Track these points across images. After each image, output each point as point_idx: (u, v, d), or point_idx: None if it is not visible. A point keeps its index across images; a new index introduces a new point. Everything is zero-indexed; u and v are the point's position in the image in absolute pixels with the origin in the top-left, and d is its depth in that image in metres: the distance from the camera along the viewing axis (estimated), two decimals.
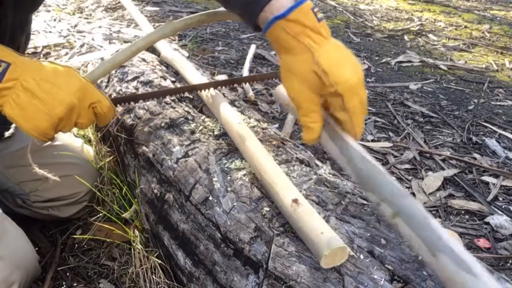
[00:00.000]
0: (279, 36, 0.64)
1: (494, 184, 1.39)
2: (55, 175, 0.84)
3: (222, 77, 1.85)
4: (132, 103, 0.93)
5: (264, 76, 1.03)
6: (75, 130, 1.37)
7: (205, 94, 0.91)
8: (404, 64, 2.42)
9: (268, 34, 0.65)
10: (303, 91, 0.64)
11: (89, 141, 1.18)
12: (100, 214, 0.96)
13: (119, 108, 1.01)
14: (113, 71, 1.16)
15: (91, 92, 0.70)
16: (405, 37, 2.91)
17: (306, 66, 0.62)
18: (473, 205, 1.29)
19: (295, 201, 0.60)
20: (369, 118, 1.76)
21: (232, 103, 0.94)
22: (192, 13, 3.23)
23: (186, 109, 0.92)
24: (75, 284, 0.91)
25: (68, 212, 1.00)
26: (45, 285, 0.88)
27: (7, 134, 0.95)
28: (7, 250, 0.74)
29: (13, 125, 0.96)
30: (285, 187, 0.63)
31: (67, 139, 1.04)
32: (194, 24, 0.81)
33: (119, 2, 3.12)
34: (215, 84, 0.91)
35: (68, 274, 0.94)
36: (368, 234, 0.60)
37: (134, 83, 1.05)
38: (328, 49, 0.62)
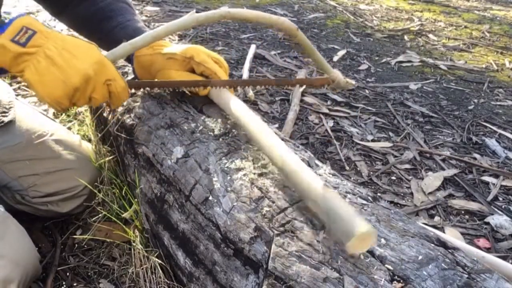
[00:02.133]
0: None
1: (494, 184, 1.39)
2: (52, 169, 0.85)
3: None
4: (135, 102, 0.92)
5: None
6: (75, 129, 1.37)
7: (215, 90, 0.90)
8: (404, 64, 2.42)
9: None
10: None
11: (89, 141, 1.18)
12: (100, 214, 0.96)
13: (138, 92, 1.00)
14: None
15: (108, 68, 0.72)
16: (405, 37, 2.91)
17: None
18: (473, 205, 1.29)
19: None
20: (369, 118, 1.76)
21: None
22: None
23: (186, 109, 0.92)
24: (75, 284, 0.91)
25: (68, 207, 1.00)
26: (46, 285, 0.88)
27: (6, 120, 0.94)
28: (8, 249, 0.74)
29: (11, 112, 0.96)
30: (312, 175, 0.64)
31: (64, 134, 1.04)
32: (216, 19, 0.81)
33: None
34: (243, 83, 0.90)
35: (68, 274, 0.94)
36: None
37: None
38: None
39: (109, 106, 1.00)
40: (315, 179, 0.62)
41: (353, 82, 0.94)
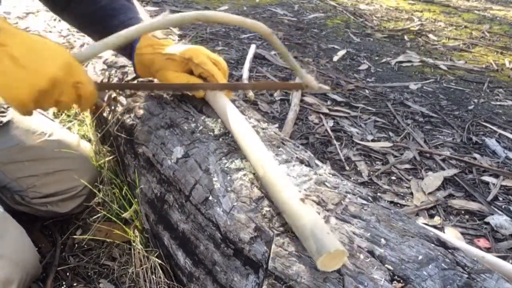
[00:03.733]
0: None
1: (494, 184, 1.39)
2: (51, 170, 0.84)
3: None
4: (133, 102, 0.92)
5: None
6: (75, 129, 1.37)
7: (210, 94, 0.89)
8: (404, 64, 2.42)
9: None
10: None
11: (89, 141, 1.18)
12: (100, 214, 0.96)
13: (118, 94, 0.97)
14: (113, 71, 1.16)
15: (77, 71, 0.69)
16: (405, 37, 2.91)
17: None
18: (473, 205, 1.29)
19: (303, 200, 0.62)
20: (369, 118, 1.76)
21: (232, 102, 0.94)
22: None
23: (186, 109, 0.92)
24: (75, 284, 0.91)
25: (67, 207, 1.00)
26: (46, 285, 0.88)
27: (4, 120, 0.94)
28: (7, 249, 0.74)
29: (9, 112, 0.96)
30: (289, 190, 0.65)
31: (63, 134, 1.04)
32: (190, 20, 0.79)
33: None
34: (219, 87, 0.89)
35: (68, 274, 0.94)
36: (368, 234, 0.60)
37: (134, 82, 1.05)
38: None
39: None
40: (292, 195, 0.62)
41: (327, 87, 0.95)
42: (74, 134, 1.11)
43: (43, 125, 1.01)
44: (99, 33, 0.93)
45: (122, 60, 1.13)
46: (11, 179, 0.94)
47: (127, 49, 0.90)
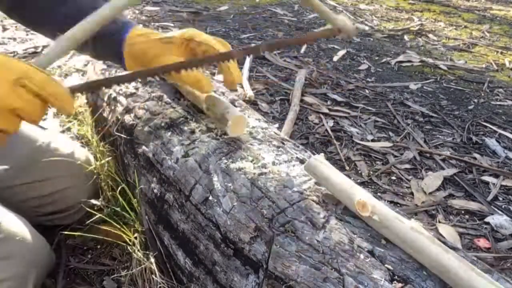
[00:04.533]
0: None
1: (494, 184, 1.39)
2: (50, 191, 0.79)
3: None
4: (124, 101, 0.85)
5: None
6: (74, 129, 1.37)
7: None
8: (404, 64, 2.42)
9: None
10: None
11: (89, 141, 1.18)
12: (100, 215, 0.96)
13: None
14: (113, 71, 1.15)
15: (10, 66, 0.54)
16: (405, 37, 2.91)
17: None
18: (473, 205, 1.29)
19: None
20: (369, 118, 1.76)
21: (232, 102, 0.94)
22: (192, 13, 3.22)
23: (186, 109, 0.92)
24: (75, 284, 0.92)
25: (72, 219, 0.99)
26: (58, 284, 0.89)
27: None
28: (18, 248, 0.74)
29: None
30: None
31: (58, 146, 0.96)
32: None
33: None
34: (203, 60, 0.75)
35: (68, 274, 0.94)
36: (368, 234, 0.60)
37: (134, 83, 1.05)
38: None
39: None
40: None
41: (364, 26, 0.87)
42: (70, 140, 1.07)
43: (35, 139, 0.93)
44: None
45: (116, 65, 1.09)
46: (11, 204, 0.85)
47: (113, 44, 0.79)
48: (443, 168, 1.46)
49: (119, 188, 0.93)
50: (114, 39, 0.79)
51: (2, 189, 0.89)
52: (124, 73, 0.74)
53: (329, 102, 1.86)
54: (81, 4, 0.78)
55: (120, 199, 0.92)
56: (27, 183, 0.91)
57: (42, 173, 0.92)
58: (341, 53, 2.47)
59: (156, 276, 0.80)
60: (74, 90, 0.63)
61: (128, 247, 0.87)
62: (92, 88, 0.80)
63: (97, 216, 0.91)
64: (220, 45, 0.77)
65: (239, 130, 0.79)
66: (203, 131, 0.84)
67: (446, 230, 1.17)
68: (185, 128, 0.86)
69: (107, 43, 0.80)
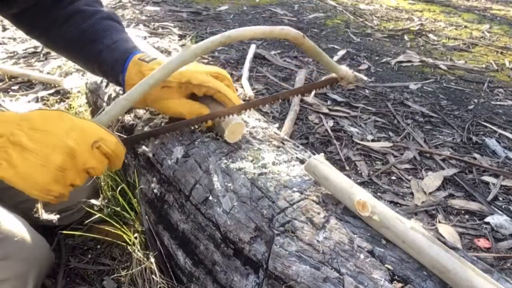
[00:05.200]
0: None
1: (494, 184, 1.39)
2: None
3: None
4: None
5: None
6: None
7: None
8: (404, 64, 2.42)
9: None
10: None
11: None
12: (100, 215, 0.96)
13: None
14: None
15: (90, 131, 0.61)
16: (405, 37, 2.91)
17: None
18: (473, 205, 1.29)
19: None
20: (369, 118, 1.76)
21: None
22: (193, 13, 3.22)
23: None
24: (75, 284, 0.92)
25: (71, 219, 0.99)
26: (58, 284, 0.89)
27: None
28: (17, 248, 0.74)
29: None
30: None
31: None
32: (216, 46, 0.72)
33: (119, 2, 3.12)
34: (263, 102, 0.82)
35: (68, 274, 0.94)
36: (368, 234, 0.60)
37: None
38: None
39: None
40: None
41: (364, 76, 0.90)
42: None
43: None
44: (83, 59, 0.88)
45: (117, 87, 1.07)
46: (10, 204, 0.87)
47: (116, 78, 0.83)
48: (443, 168, 1.46)
49: (119, 188, 0.93)
50: (119, 79, 0.82)
51: (1, 190, 0.88)
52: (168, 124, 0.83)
53: (329, 102, 1.86)
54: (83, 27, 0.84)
55: (120, 199, 0.92)
56: None
57: None
58: (341, 53, 2.47)
59: (156, 276, 0.80)
60: (127, 143, 0.71)
61: (128, 247, 0.87)
62: (142, 139, 0.84)
63: (97, 216, 0.91)
64: (219, 85, 0.78)
65: (236, 136, 0.80)
66: (203, 131, 0.84)
67: (446, 230, 1.17)
68: (185, 128, 0.86)
69: (113, 80, 0.84)
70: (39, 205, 0.65)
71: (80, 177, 0.62)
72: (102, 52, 0.83)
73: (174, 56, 0.71)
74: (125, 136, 0.81)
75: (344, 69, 0.85)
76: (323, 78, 0.90)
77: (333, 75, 0.86)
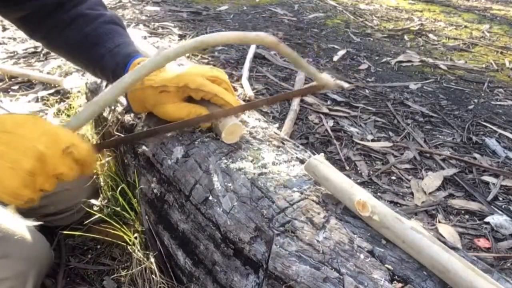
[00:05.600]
0: None
1: (494, 184, 1.39)
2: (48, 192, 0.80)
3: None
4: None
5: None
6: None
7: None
8: (404, 64, 2.42)
9: None
10: None
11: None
12: (100, 215, 0.96)
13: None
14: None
15: (61, 135, 0.61)
16: (405, 37, 2.91)
17: None
18: (473, 205, 1.29)
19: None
20: (369, 118, 1.76)
21: None
22: (193, 13, 3.22)
23: None
24: (75, 284, 0.92)
25: (71, 220, 0.99)
26: (58, 284, 0.89)
27: None
28: (16, 247, 0.74)
29: None
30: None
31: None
32: (189, 51, 0.72)
33: (119, 2, 3.12)
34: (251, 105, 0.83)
35: (68, 274, 0.94)
36: (368, 234, 0.60)
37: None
38: None
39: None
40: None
41: (344, 83, 0.91)
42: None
43: None
44: (85, 63, 0.88)
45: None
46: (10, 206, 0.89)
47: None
48: (443, 168, 1.46)
49: (119, 188, 0.93)
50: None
51: None
52: (145, 129, 0.84)
53: (329, 102, 1.86)
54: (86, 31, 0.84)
55: (120, 199, 0.92)
56: None
57: None
58: (341, 53, 2.47)
59: (156, 276, 0.80)
60: (100, 147, 0.70)
61: (128, 247, 0.87)
62: (118, 144, 0.83)
63: (97, 216, 0.91)
64: (216, 88, 0.79)
65: (235, 137, 0.79)
66: (203, 131, 0.84)
67: (446, 230, 1.17)
68: (181, 128, 0.86)
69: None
70: (10, 210, 0.64)
71: (50, 182, 0.61)
72: (104, 56, 0.83)
73: (146, 60, 0.70)
74: (101, 141, 0.80)
75: (324, 77, 0.85)
76: (305, 86, 0.91)
77: (315, 84, 0.86)
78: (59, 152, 0.60)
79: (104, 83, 1.17)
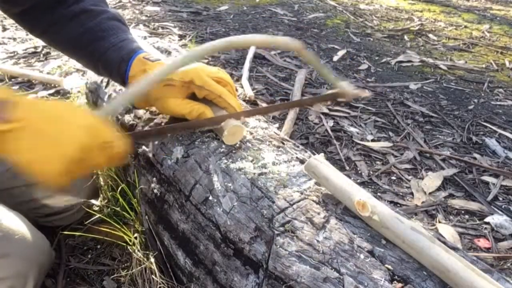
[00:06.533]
0: None
1: (494, 184, 1.39)
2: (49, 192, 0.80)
3: None
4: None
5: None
6: None
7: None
8: (404, 64, 2.42)
9: None
10: None
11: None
12: (100, 215, 0.96)
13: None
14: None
15: (104, 130, 0.63)
16: (405, 37, 2.91)
17: None
18: (473, 205, 1.29)
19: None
20: (369, 118, 1.76)
21: None
22: (193, 13, 3.22)
23: None
24: (75, 285, 0.92)
25: (71, 220, 0.99)
26: (58, 284, 0.89)
27: None
28: (16, 247, 0.74)
29: None
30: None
31: None
32: (216, 50, 0.73)
33: (119, 2, 3.11)
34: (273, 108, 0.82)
35: (68, 274, 0.94)
36: (368, 234, 0.60)
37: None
38: None
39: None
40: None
41: (365, 92, 0.89)
42: None
43: None
44: (88, 57, 0.87)
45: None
46: (10, 204, 0.85)
47: (121, 77, 0.83)
48: (443, 168, 1.46)
49: (119, 188, 0.93)
50: (123, 78, 0.82)
51: (1, 191, 0.89)
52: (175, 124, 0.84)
53: (329, 102, 1.86)
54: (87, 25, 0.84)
55: (120, 199, 0.92)
56: (26, 185, 0.90)
57: None
58: (341, 53, 2.47)
59: (156, 276, 0.80)
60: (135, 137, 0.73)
61: (128, 247, 0.87)
62: (149, 137, 0.84)
63: (97, 216, 0.91)
64: (220, 89, 0.78)
65: (236, 138, 0.79)
66: (203, 130, 0.84)
67: (446, 230, 1.17)
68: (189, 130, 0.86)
69: (117, 80, 0.84)
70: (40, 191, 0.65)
71: (83, 171, 0.63)
72: (108, 50, 0.82)
73: (179, 56, 0.71)
74: (134, 131, 0.82)
75: (345, 85, 0.84)
76: (326, 93, 0.90)
77: (334, 91, 0.85)
78: (100, 145, 0.62)
79: (104, 83, 1.17)
